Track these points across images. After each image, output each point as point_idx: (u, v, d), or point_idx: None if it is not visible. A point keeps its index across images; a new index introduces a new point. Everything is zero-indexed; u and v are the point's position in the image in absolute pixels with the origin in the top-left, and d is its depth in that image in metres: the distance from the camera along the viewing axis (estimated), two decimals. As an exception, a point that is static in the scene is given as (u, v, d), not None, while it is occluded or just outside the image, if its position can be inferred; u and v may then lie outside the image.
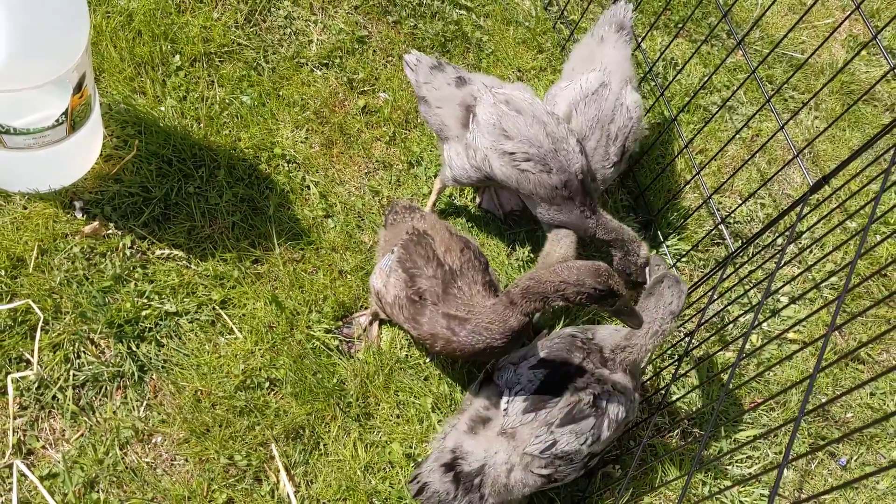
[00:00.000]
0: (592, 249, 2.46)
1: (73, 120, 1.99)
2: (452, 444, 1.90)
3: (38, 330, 1.99)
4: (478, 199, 2.52)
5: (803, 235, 2.77)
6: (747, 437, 2.34)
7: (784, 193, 2.91)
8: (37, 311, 2.00)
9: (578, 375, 1.94)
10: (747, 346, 2.48)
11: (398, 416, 2.13)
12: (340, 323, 2.22)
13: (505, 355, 1.98)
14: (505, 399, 1.91)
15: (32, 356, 1.97)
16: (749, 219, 2.79)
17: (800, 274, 2.14)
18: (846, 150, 3.07)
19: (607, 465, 2.18)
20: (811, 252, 2.74)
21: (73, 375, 1.98)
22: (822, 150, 3.06)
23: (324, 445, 2.05)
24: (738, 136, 2.98)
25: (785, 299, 2.63)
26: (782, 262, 1.84)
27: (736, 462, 2.30)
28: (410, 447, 2.08)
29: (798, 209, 1.99)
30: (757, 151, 2.27)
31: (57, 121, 1.95)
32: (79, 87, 1.92)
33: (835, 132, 3.12)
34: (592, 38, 2.49)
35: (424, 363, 2.21)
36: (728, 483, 2.23)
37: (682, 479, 2.06)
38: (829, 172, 1.92)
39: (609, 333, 2.05)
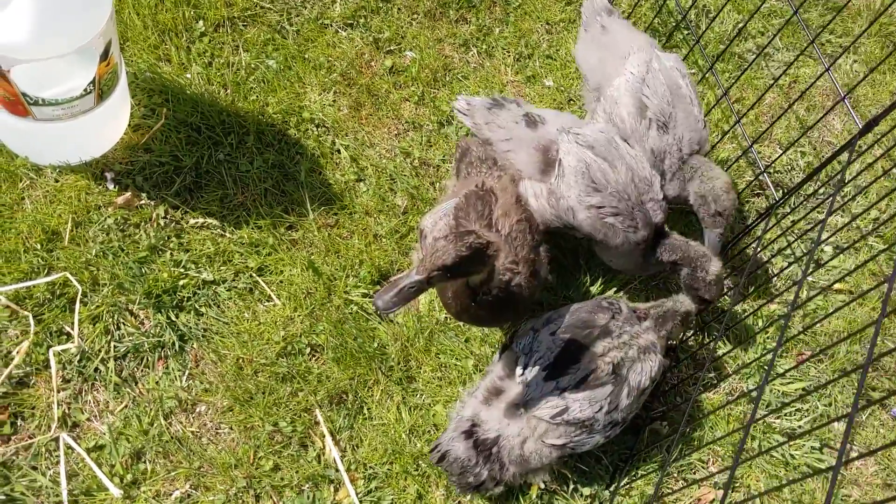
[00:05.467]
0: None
1: (100, 89, 1.96)
2: (470, 413, 1.89)
3: (77, 302, 1.98)
4: None
5: (848, 183, 2.69)
6: (796, 391, 2.29)
7: (824, 141, 2.83)
8: (75, 283, 1.99)
9: (601, 339, 1.89)
10: (792, 298, 2.43)
11: (440, 379, 2.10)
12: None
13: (462, 318, 1.92)
14: (521, 368, 1.87)
15: (73, 329, 1.96)
16: (789, 168, 2.72)
17: (847, 224, 2.07)
18: (886, 93, 2.97)
19: (654, 422, 2.14)
20: (856, 201, 2.67)
21: (114, 347, 1.97)
22: (862, 94, 2.97)
23: (367, 410, 2.03)
24: (775, 83, 2.90)
25: (829, 249, 2.56)
26: (831, 210, 1.78)
27: (784, 416, 2.25)
28: (453, 408, 2.06)
29: (846, 154, 1.92)
30: (798, 98, 2.20)
31: (85, 90, 1.92)
32: (105, 55, 1.89)
33: (874, 76, 3.02)
34: (593, 33, 2.36)
35: (464, 325, 2.18)
36: (779, 438, 2.19)
37: (734, 434, 2.02)
38: (879, 114, 1.84)
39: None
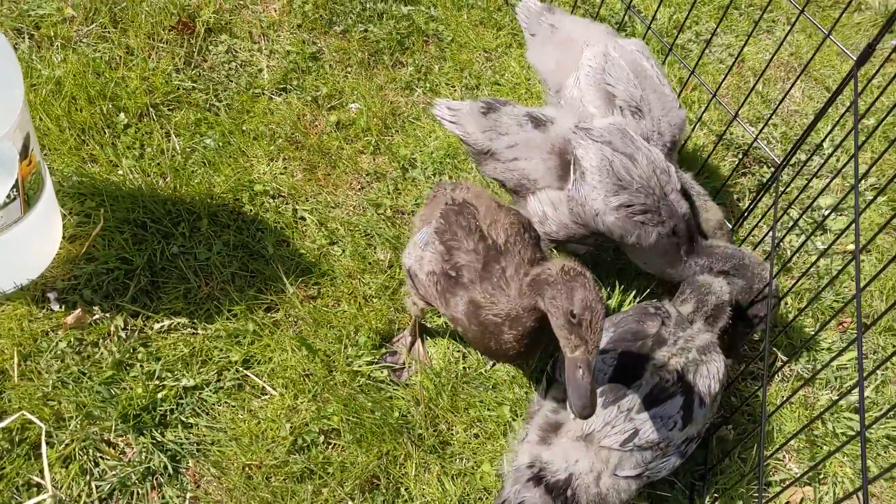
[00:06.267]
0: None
1: (26, 193, 1.70)
2: (528, 459, 1.61)
3: (43, 445, 1.66)
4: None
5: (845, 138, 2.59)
6: (849, 361, 2.11)
7: (790, 110, 2.74)
8: (36, 422, 1.68)
9: (657, 349, 1.68)
10: (812, 268, 2.28)
11: (477, 436, 1.84)
12: (383, 350, 1.94)
13: (525, 357, 1.68)
14: None
15: (43, 478, 1.64)
16: (766, 141, 2.61)
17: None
18: (833, 55, 2.94)
19: (719, 430, 1.92)
20: (838, 159, 2.57)
21: (97, 487, 1.65)
22: (808, 55, 2.92)
23: (406, 490, 1.75)
24: (723, 64, 2.82)
25: (826, 212, 2.43)
26: (859, 145, 1.64)
27: (843, 389, 2.06)
28: (502, 464, 1.80)
29: (851, 89, 1.80)
30: (765, 69, 2.10)
31: (8, 197, 1.66)
32: (25, 152, 1.64)
33: (819, 37, 2.98)
34: (543, 35, 2.21)
35: (487, 370, 1.93)
36: (849, 415, 2.00)
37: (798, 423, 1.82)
38: (876, 36, 1.73)
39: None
